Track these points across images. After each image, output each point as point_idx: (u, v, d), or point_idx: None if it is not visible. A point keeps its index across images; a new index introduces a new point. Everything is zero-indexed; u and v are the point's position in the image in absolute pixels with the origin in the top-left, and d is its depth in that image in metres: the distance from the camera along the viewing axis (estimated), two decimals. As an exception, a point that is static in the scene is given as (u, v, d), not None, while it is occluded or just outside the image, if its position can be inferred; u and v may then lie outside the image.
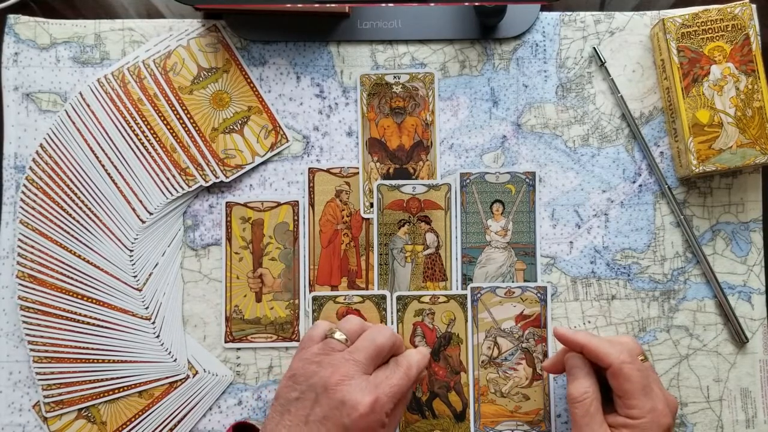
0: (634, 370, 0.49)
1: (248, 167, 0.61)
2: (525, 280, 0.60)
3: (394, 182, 0.61)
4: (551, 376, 0.60)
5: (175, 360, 0.59)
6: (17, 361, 0.59)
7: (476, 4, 0.59)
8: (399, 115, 0.62)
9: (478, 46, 0.62)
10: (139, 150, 0.60)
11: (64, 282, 0.59)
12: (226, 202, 0.61)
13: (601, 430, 0.49)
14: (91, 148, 0.60)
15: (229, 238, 0.61)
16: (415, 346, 0.60)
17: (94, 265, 0.59)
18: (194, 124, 0.61)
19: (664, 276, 0.61)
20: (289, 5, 0.58)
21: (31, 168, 0.60)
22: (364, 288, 0.60)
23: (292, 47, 0.62)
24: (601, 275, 0.61)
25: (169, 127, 0.60)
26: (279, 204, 0.61)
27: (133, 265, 0.60)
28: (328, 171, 0.61)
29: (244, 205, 0.61)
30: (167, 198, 0.60)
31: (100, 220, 0.59)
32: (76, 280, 0.59)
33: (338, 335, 0.51)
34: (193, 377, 0.59)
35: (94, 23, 0.61)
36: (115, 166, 0.60)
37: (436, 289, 0.60)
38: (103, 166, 0.60)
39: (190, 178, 0.60)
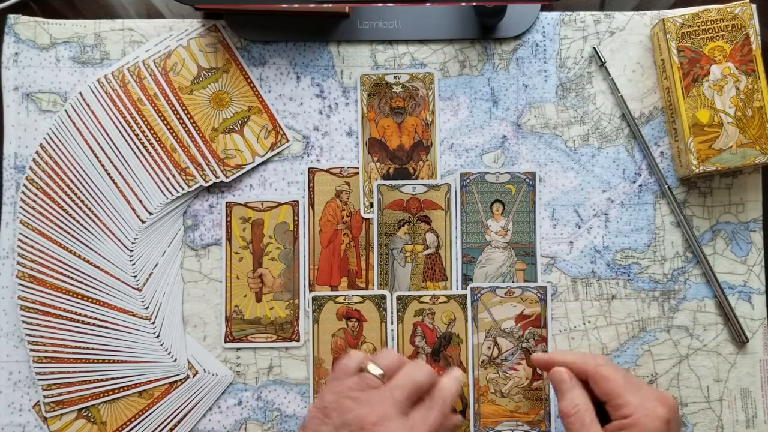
0: (611, 369, 0.49)
1: (248, 167, 0.61)
2: (525, 280, 0.60)
3: (394, 182, 0.61)
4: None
5: (175, 360, 0.59)
6: (17, 361, 0.59)
7: (476, 4, 0.59)
8: (399, 115, 0.62)
9: (478, 46, 0.62)
10: (139, 150, 0.60)
11: (64, 282, 0.59)
12: (226, 202, 0.61)
13: None
14: (91, 148, 0.60)
15: (229, 238, 0.61)
16: (415, 346, 0.60)
17: (94, 265, 0.59)
18: (194, 124, 0.61)
19: (665, 276, 0.61)
20: (289, 5, 0.58)
21: (31, 168, 0.60)
22: (364, 288, 0.60)
23: (292, 47, 0.62)
24: (601, 275, 0.61)
25: (169, 127, 0.60)
26: (279, 204, 0.61)
27: (133, 265, 0.60)
28: (328, 171, 0.61)
29: (244, 205, 0.61)
30: (167, 198, 0.60)
31: (100, 220, 0.59)
32: (76, 280, 0.59)
33: (374, 370, 0.49)
34: (193, 377, 0.59)
35: (94, 23, 0.61)
36: (115, 166, 0.60)
37: (436, 289, 0.60)
38: (103, 166, 0.60)
39: (190, 178, 0.60)
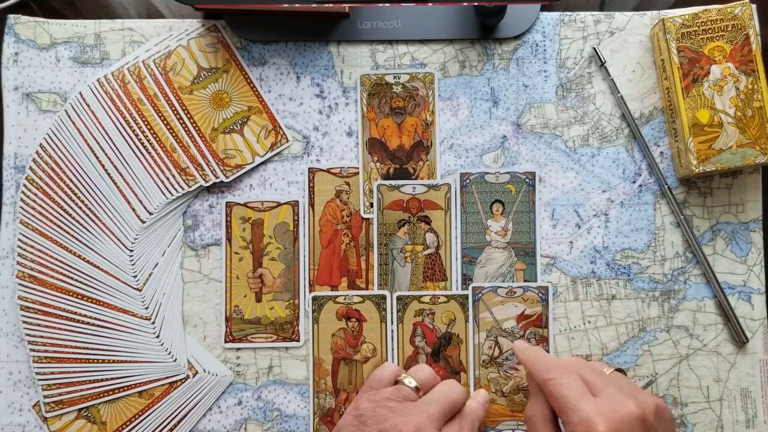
0: (559, 386, 0.46)
1: (248, 167, 0.61)
2: (525, 280, 0.60)
3: (394, 182, 0.61)
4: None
5: (175, 360, 0.59)
6: (17, 361, 0.59)
7: (476, 4, 0.59)
8: (399, 115, 0.62)
9: (478, 46, 0.62)
10: (139, 150, 0.60)
11: (64, 282, 0.59)
12: (226, 202, 0.61)
13: None
14: (91, 148, 0.60)
15: (229, 238, 0.61)
16: (415, 347, 0.60)
17: (94, 265, 0.59)
18: (194, 124, 0.61)
19: (664, 276, 0.61)
20: (289, 5, 0.58)
21: (31, 168, 0.60)
22: (364, 288, 0.60)
23: (292, 47, 0.62)
24: (601, 275, 0.61)
25: (169, 127, 0.60)
26: (279, 204, 0.61)
27: (133, 265, 0.60)
28: (328, 171, 0.61)
29: (244, 205, 0.61)
30: (167, 198, 0.60)
31: (100, 220, 0.59)
32: (76, 280, 0.59)
33: (410, 382, 0.50)
34: (193, 377, 0.59)
35: (94, 23, 0.61)
36: (115, 166, 0.60)
37: (436, 289, 0.60)
38: (103, 166, 0.60)
39: (190, 178, 0.60)
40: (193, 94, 0.61)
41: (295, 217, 0.61)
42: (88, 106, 0.60)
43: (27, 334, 0.58)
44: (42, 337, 0.58)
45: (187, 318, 0.60)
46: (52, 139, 0.60)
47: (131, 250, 0.60)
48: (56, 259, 0.59)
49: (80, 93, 0.60)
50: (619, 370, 0.49)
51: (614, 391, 0.45)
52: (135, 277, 0.60)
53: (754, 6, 0.59)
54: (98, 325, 0.59)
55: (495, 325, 0.60)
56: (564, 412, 0.45)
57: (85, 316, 0.59)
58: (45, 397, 0.58)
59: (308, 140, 0.61)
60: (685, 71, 0.58)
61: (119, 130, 0.60)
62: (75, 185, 0.59)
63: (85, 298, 0.59)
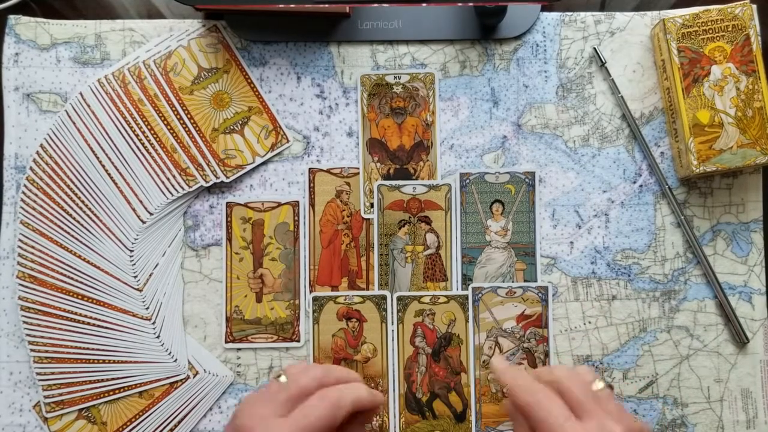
0: (541, 411, 0.43)
1: (249, 167, 0.61)
2: (525, 280, 0.60)
3: (394, 182, 0.61)
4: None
5: (175, 360, 0.59)
6: (18, 361, 0.59)
7: (476, 4, 0.59)
8: (399, 116, 0.62)
9: (478, 46, 0.62)
10: (140, 150, 0.60)
11: (65, 282, 0.59)
12: (227, 203, 0.61)
13: None
14: (91, 149, 0.60)
15: (229, 239, 0.61)
16: (416, 347, 0.60)
17: (95, 266, 0.59)
18: (195, 125, 0.61)
19: (665, 276, 0.61)
20: (289, 5, 0.58)
21: (31, 168, 0.60)
22: (364, 288, 0.60)
23: (293, 47, 0.62)
24: (602, 275, 0.61)
25: (169, 127, 0.60)
26: (279, 204, 0.61)
27: (133, 265, 0.60)
28: (328, 171, 0.61)
29: (245, 205, 0.61)
30: (167, 198, 0.60)
31: (101, 221, 0.59)
32: (77, 281, 0.59)
33: (282, 378, 0.48)
34: (194, 377, 0.59)
35: (95, 23, 0.61)
36: (116, 167, 0.60)
37: (437, 289, 0.60)
38: (103, 166, 0.60)
39: (190, 178, 0.60)
40: (194, 94, 0.61)
41: (296, 218, 0.61)
42: (89, 106, 0.60)
43: (27, 335, 0.58)
44: (42, 337, 0.58)
45: (188, 318, 0.60)
46: (52, 140, 0.60)
47: (132, 251, 0.60)
48: (57, 259, 0.59)
49: (81, 93, 0.60)
50: (608, 386, 0.46)
51: (602, 415, 0.43)
52: (135, 277, 0.60)
53: (754, 6, 0.59)
54: (99, 326, 0.59)
55: (495, 326, 0.60)
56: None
57: (86, 316, 0.59)
58: (45, 397, 0.58)
59: (309, 140, 0.61)
60: (686, 71, 0.58)
61: (120, 131, 0.60)
62: (75, 185, 0.59)
63: (85, 299, 0.59)
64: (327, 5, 0.57)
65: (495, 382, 0.60)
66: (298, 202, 0.61)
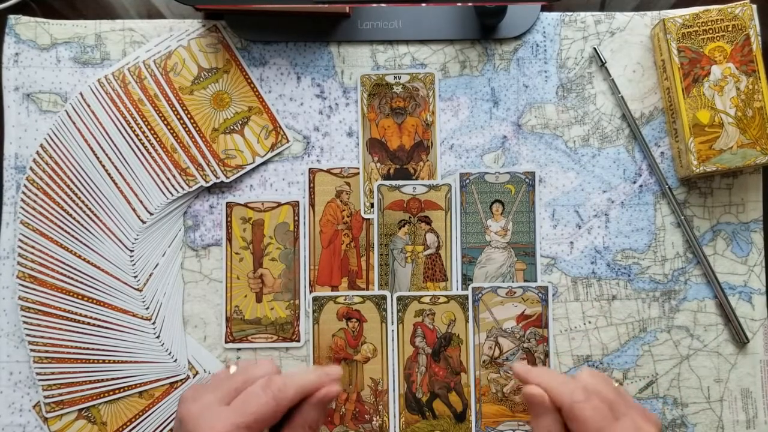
0: (586, 409, 0.45)
1: (249, 167, 0.61)
2: (525, 280, 0.60)
3: (394, 182, 0.61)
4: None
5: (175, 360, 0.59)
6: (18, 361, 0.59)
7: (476, 4, 0.59)
8: (399, 116, 0.62)
9: (478, 46, 0.62)
10: (140, 150, 0.60)
11: (65, 282, 0.59)
12: (227, 203, 0.61)
13: None
14: (91, 149, 0.60)
15: (229, 239, 0.61)
16: (416, 347, 0.60)
17: (95, 266, 0.59)
18: (195, 125, 0.61)
19: (665, 276, 0.61)
20: (289, 5, 0.58)
21: (31, 168, 0.60)
22: (364, 288, 0.60)
23: (293, 47, 0.62)
24: (602, 275, 0.61)
25: (169, 127, 0.60)
26: (279, 204, 0.61)
27: (133, 265, 0.60)
28: (328, 171, 0.61)
29: (245, 205, 0.61)
30: (168, 198, 0.60)
31: (101, 221, 0.59)
32: (77, 281, 0.59)
33: (232, 369, 0.48)
34: (194, 377, 0.59)
35: (95, 23, 0.61)
36: (116, 167, 0.60)
37: (437, 289, 0.60)
38: (103, 166, 0.60)
39: (190, 178, 0.60)
40: (194, 94, 0.61)
41: (296, 218, 0.61)
42: (89, 106, 0.60)
43: (27, 335, 0.58)
44: (42, 337, 0.58)
45: (188, 318, 0.60)
46: (52, 140, 0.60)
47: (132, 251, 0.60)
48: (57, 259, 0.59)
49: (81, 93, 0.60)
50: (617, 381, 0.47)
51: (633, 414, 0.45)
52: (135, 277, 0.60)
53: (754, 6, 0.59)
54: (99, 326, 0.59)
55: (495, 326, 0.60)
56: None
57: (86, 316, 0.59)
58: (45, 397, 0.58)
59: (309, 140, 0.61)
60: (686, 71, 0.58)
61: (120, 131, 0.60)
62: (75, 185, 0.59)
63: (85, 299, 0.59)
64: (327, 5, 0.57)
65: (495, 382, 0.60)
66: (298, 202, 0.61)
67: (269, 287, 0.60)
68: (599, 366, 0.60)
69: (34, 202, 0.59)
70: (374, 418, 0.59)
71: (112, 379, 0.59)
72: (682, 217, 0.60)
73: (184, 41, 0.61)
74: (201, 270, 0.61)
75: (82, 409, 0.58)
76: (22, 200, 0.59)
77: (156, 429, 0.59)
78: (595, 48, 0.62)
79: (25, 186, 0.59)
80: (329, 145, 0.61)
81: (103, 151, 0.60)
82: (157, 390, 0.59)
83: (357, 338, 0.60)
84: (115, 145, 0.60)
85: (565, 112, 0.62)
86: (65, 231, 0.59)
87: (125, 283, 0.59)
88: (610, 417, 0.44)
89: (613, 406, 0.45)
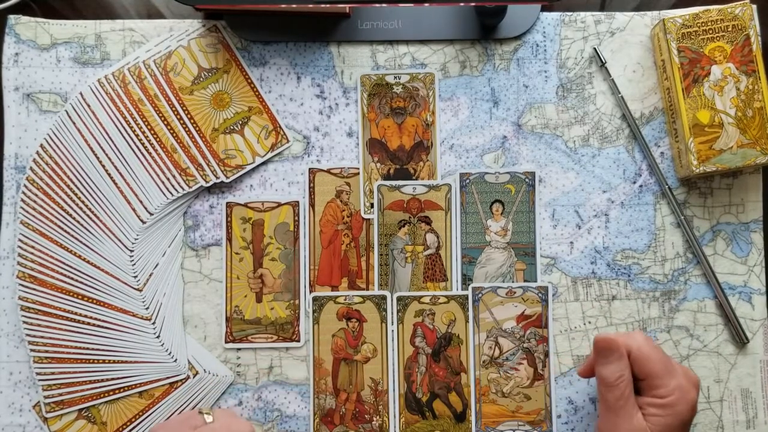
0: (653, 351, 0.51)
1: (249, 167, 0.61)
2: (525, 281, 0.60)
3: (394, 183, 0.61)
4: (552, 376, 0.60)
5: (175, 360, 0.59)
6: (18, 361, 0.59)
7: (476, 4, 0.59)
8: (399, 116, 0.62)
9: (478, 46, 0.62)
10: (140, 150, 0.60)
11: (65, 282, 0.59)
12: (227, 203, 0.61)
13: (635, 412, 0.50)
14: (91, 149, 0.60)
15: (229, 239, 0.61)
16: (415, 347, 0.60)
17: (95, 266, 0.59)
18: (195, 125, 0.61)
19: (665, 276, 0.61)
20: (289, 5, 0.58)
21: (31, 168, 0.60)
22: (364, 288, 0.60)
23: (293, 47, 0.62)
24: (602, 275, 0.61)
25: (169, 127, 0.60)
26: (279, 204, 0.61)
27: (133, 265, 0.60)
28: (328, 171, 0.61)
29: (245, 205, 0.61)
30: (168, 198, 0.60)
31: (101, 221, 0.59)
32: (77, 281, 0.59)
33: (207, 417, 0.53)
34: (194, 377, 0.59)
35: (95, 23, 0.61)
36: (116, 167, 0.60)
37: (437, 289, 0.60)
38: (103, 166, 0.60)
39: (190, 178, 0.60)
40: (194, 94, 0.61)
41: (296, 218, 0.61)
42: (89, 106, 0.60)
43: (27, 335, 0.58)
44: (42, 337, 0.58)
45: (188, 318, 0.60)
46: (52, 140, 0.60)
47: (132, 251, 0.60)
48: (57, 259, 0.59)
49: (81, 93, 0.60)
50: None
51: (679, 371, 0.52)
52: (135, 277, 0.60)
53: (754, 6, 0.59)
54: (99, 326, 0.59)
55: (495, 326, 0.60)
56: (661, 376, 0.50)
57: (86, 316, 0.59)
58: (45, 397, 0.58)
59: (309, 140, 0.61)
60: (686, 71, 0.58)
61: (120, 131, 0.60)
62: (75, 185, 0.59)
63: (85, 299, 0.59)
64: (327, 5, 0.57)
65: (495, 382, 0.60)
66: (298, 202, 0.61)
67: (269, 287, 0.60)
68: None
69: (34, 202, 0.59)
70: (374, 418, 0.59)
71: (112, 379, 0.59)
72: (682, 217, 0.60)
73: (184, 41, 0.61)
74: (201, 270, 0.61)
75: (82, 409, 0.58)
76: (22, 200, 0.59)
77: (156, 429, 0.59)
78: (595, 48, 0.62)
79: (25, 186, 0.59)
80: (329, 145, 0.61)
81: (103, 151, 0.60)
82: (157, 390, 0.59)
83: (357, 338, 0.60)
84: (115, 145, 0.60)
85: (565, 112, 0.62)
86: (65, 231, 0.59)
87: (125, 283, 0.59)
88: (672, 363, 0.51)
89: (667, 364, 0.51)
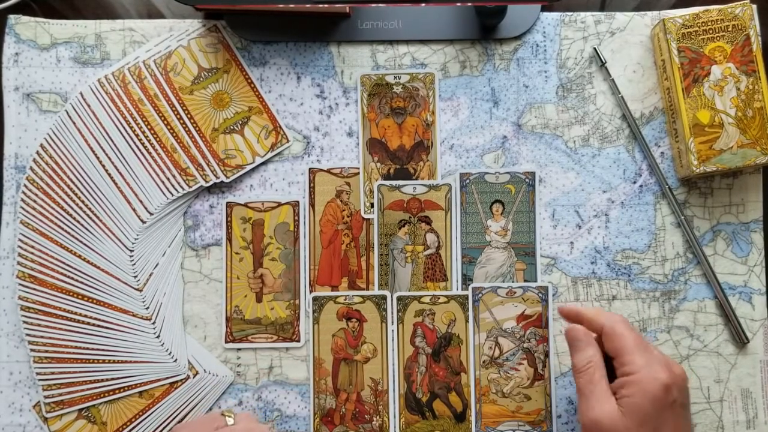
0: (625, 329, 0.51)
1: (249, 167, 0.61)
2: (525, 280, 0.60)
3: (394, 182, 0.61)
4: (553, 376, 0.60)
5: (175, 360, 0.59)
6: (18, 361, 0.59)
7: (476, 4, 0.59)
8: (399, 116, 0.62)
9: (478, 46, 0.62)
10: (140, 150, 0.60)
11: (65, 282, 0.59)
12: (227, 203, 0.61)
13: (605, 397, 0.49)
14: (91, 148, 0.60)
15: (229, 239, 0.61)
16: (416, 347, 0.60)
17: (95, 266, 0.59)
18: (195, 125, 0.61)
19: (665, 276, 0.61)
20: (289, 5, 0.58)
21: (31, 168, 0.60)
22: (364, 288, 0.60)
23: (293, 47, 0.62)
24: (602, 276, 0.61)
25: (169, 127, 0.60)
26: (279, 204, 0.61)
27: (133, 265, 0.60)
28: (328, 171, 0.61)
29: (245, 205, 0.61)
30: (168, 198, 0.60)
31: (101, 220, 0.59)
32: (77, 280, 0.59)
33: (229, 420, 0.53)
34: (194, 377, 0.59)
35: (95, 23, 0.61)
36: (116, 166, 0.60)
37: (437, 289, 0.60)
38: (103, 166, 0.60)
39: (190, 178, 0.60)
40: (194, 94, 0.61)
41: (296, 218, 0.61)
42: (89, 106, 0.60)
43: (27, 335, 0.58)
44: (42, 337, 0.58)
45: (188, 318, 0.60)
46: (52, 140, 0.60)
47: (132, 250, 0.60)
48: (57, 259, 0.59)
49: (81, 93, 0.60)
50: None
51: (653, 352, 0.51)
52: (135, 277, 0.59)
53: (754, 6, 0.59)
54: (99, 326, 0.59)
55: (495, 326, 0.60)
56: (628, 353, 0.49)
57: (86, 316, 0.59)
58: (45, 397, 0.58)
59: (309, 140, 0.61)
60: (686, 71, 0.58)
61: (120, 131, 0.60)
62: (75, 185, 0.59)
63: (85, 299, 0.59)
64: (327, 5, 0.57)
65: (495, 382, 0.60)
66: (298, 202, 0.61)
67: (269, 287, 0.60)
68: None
69: (34, 202, 0.59)
70: (374, 418, 0.59)
71: (112, 379, 0.59)
72: (682, 217, 0.60)
73: (184, 41, 0.61)
74: (201, 270, 0.61)
75: (82, 409, 0.58)
76: (22, 200, 0.59)
77: (156, 429, 0.58)
78: (595, 48, 0.62)
79: (25, 186, 0.59)
80: (329, 145, 0.61)
81: (103, 151, 0.60)
82: (157, 390, 0.59)
83: (357, 338, 0.60)
84: (115, 145, 0.60)
85: (565, 112, 0.62)
86: (65, 231, 0.59)
87: (125, 283, 0.59)
88: (643, 343, 0.50)
89: (640, 342, 0.51)
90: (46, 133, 0.60)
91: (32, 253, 0.59)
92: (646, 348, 0.50)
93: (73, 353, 0.58)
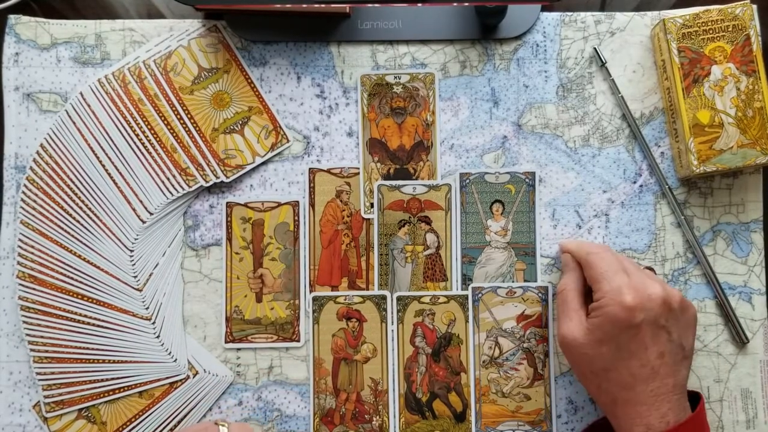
0: (599, 259, 0.53)
1: (249, 167, 0.61)
2: (525, 280, 0.60)
3: (394, 182, 0.61)
4: (552, 376, 0.60)
5: (175, 360, 0.59)
6: (17, 361, 0.59)
7: (476, 4, 0.59)
8: (399, 116, 0.62)
9: (478, 46, 0.62)
10: (140, 150, 0.60)
11: (65, 282, 0.59)
12: (227, 203, 0.61)
13: (574, 316, 0.53)
14: (91, 148, 0.60)
15: (229, 239, 0.61)
16: (415, 347, 0.60)
17: (95, 265, 0.59)
18: (195, 125, 0.61)
19: (665, 276, 0.61)
20: (289, 5, 0.58)
21: (31, 168, 0.60)
22: (364, 288, 0.60)
23: (293, 47, 0.62)
24: (602, 275, 0.61)
25: (169, 127, 0.60)
26: (279, 204, 0.61)
27: (133, 265, 0.60)
28: (328, 171, 0.61)
29: (245, 205, 0.61)
30: (168, 198, 0.60)
31: (101, 220, 0.59)
32: (77, 280, 0.59)
33: (222, 429, 0.54)
34: (194, 377, 0.59)
35: (95, 23, 0.61)
36: (116, 166, 0.60)
37: (437, 289, 0.60)
38: (103, 166, 0.60)
39: (190, 178, 0.60)
40: (194, 94, 0.61)
41: (296, 218, 0.61)
42: (89, 106, 0.60)
43: (27, 334, 0.58)
44: (42, 337, 0.58)
45: (188, 318, 0.60)
46: (52, 139, 0.60)
47: (131, 250, 0.60)
48: (56, 259, 0.59)
49: (81, 93, 0.60)
50: (648, 268, 0.59)
51: (646, 275, 0.53)
52: (135, 277, 0.60)
53: (754, 6, 0.59)
54: (98, 326, 0.59)
55: (495, 326, 0.60)
56: (598, 281, 0.52)
57: (86, 316, 0.59)
58: (45, 397, 0.58)
59: (309, 140, 0.61)
60: (686, 71, 0.58)
61: (120, 130, 0.60)
62: (75, 185, 0.59)
63: (85, 299, 0.59)
64: (327, 5, 0.57)
65: (495, 382, 0.60)
66: (298, 202, 0.61)
67: (269, 287, 0.60)
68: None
69: (34, 202, 0.59)
70: (374, 418, 0.59)
71: (112, 379, 0.59)
72: (682, 217, 0.60)
73: (184, 41, 0.61)
74: (201, 270, 0.61)
75: (82, 409, 0.58)
76: (22, 200, 0.59)
77: (156, 429, 0.59)
78: (595, 48, 0.62)
79: (25, 186, 0.59)
80: (329, 145, 0.61)
81: (103, 151, 0.60)
82: (157, 390, 0.59)
83: (357, 338, 0.60)
84: (115, 145, 0.60)
85: (565, 112, 0.62)
86: (65, 231, 0.59)
87: (125, 283, 0.59)
88: (617, 269, 0.52)
89: (624, 264, 0.53)
90: (46, 133, 0.60)
91: (32, 253, 0.59)
92: (624, 272, 0.52)
93: (73, 353, 0.58)
